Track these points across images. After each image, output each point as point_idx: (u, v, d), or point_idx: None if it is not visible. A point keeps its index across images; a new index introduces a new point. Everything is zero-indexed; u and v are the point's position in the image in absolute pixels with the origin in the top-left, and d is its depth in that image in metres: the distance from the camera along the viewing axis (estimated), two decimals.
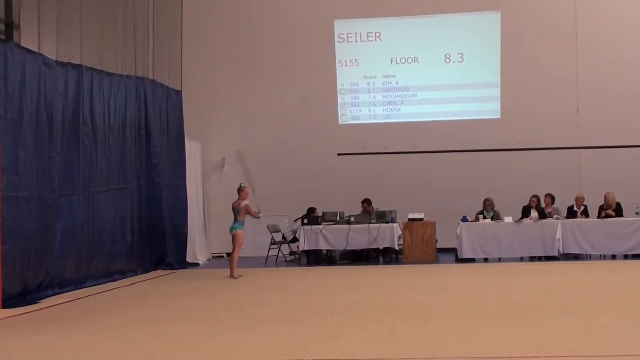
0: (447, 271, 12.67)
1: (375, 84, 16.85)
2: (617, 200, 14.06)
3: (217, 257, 16.38)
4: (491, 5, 16.49)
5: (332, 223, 14.43)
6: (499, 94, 16.42)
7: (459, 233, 13.98)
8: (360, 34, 16.86)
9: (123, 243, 12.35)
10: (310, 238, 14.19)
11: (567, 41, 16.14)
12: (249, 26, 16.97)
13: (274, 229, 14.94)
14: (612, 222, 13.80)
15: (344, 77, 16.88)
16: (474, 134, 16.38)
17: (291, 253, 15.32)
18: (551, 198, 14.43)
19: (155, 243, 13.51)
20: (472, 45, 16.57)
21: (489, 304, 8.58)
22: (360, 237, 14.12)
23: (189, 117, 15.12)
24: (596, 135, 16.10)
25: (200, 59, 16.65)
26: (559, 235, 13.67)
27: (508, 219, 14.03)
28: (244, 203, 12.03)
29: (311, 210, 15.01)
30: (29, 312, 8.75)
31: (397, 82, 16.77)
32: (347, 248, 14.35)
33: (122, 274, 12.22)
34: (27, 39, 10.35)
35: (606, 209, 14.03)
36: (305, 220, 14.48)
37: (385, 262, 14.39)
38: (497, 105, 16.46)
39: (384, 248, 14.32)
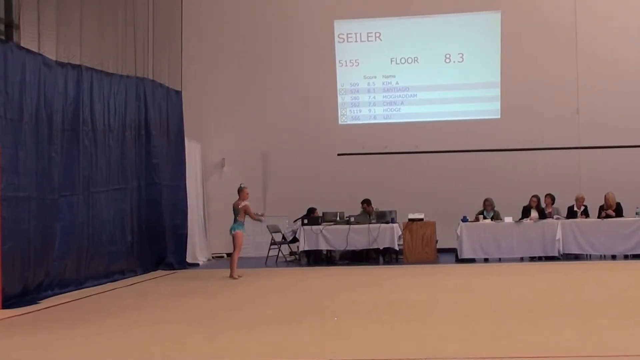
0: (447, 271, 12.67)
1: (375, 84, 16.85)
2: (617, 200, 14.06)
3: (217, 257, 16.38)
4: (491, 5, 16.50)
5: (332, 223, 14.43)
6: (499, 94, 16.42)
7: (459, 233, 13.97)
8: (360, 34, 16.86)
9: (123, 243, 12.35)
10: (310, 238, 14.19)
11: (567, 41, 16.15)
12: (249, 26, 16.98)
13: (274, 230, 14.94)
14: (612, 222, 13.80)
15: (344, 77, 16.88)
16: (474, 134, 16.38)
17: (291, 253, 15.32)
18: (551, 198, 14.43)
19: (155, 243, 13.51)
20: (472, 45, 16.57)
21: (489, 304, 8.58)
22: (360, 237, 14.12)
23: (189, 117, 15.12)
24: (596, 135, 16.10)
25: (200, 59, 16.65)
26: (559, 236, 13.67)
27: (508, 219, 14.03)
28: (243, 204, 12.02)
29: (311, 211, 15.01)
30: (29, 312, 8.74)
31: (397, 82, 16.77)
32: (347, 248, 14.35)
33: (122, 274, 12.22)
34: (27, 39, 10.34)
35: (606, 209, 14.03)
36: (305, 221, 14.48)
37: (386, 263, 14.39)
38: (497, 106, 16.46)
39: (384, 248, 14.31)
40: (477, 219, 14.26)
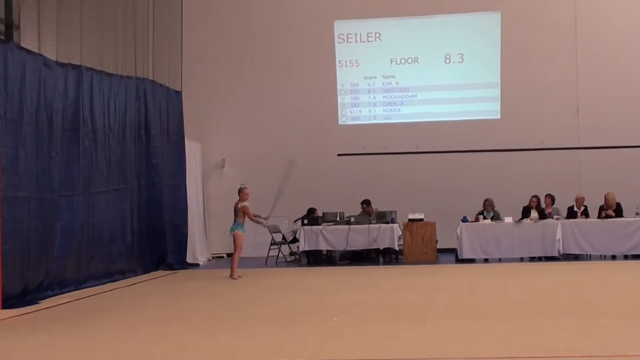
0: (447, 271, 12.67)
1: (375, 84, 16.85)
2: (617, 200, 14.06)
3: (217, 257, 16.38)
4: (491, 5, 16.50)
5: (332, 223, 14.43)
6: (499, 94, 16.42)
7: (459, 233, 13.97)
8: (360, 34, 16.86)
9: (123, 243, 12.35)
10: (311, 238, 14.19)
11: (567, 41, 16.15)
12: (249, 26, 16.99)
13: (274, 230, 14.94)
14: (612, 223, 13.80)
15: (344, 77, 16.89)
16: (474, 134, 16.39)
17: (291, 253, 15.32)
18: (551, 198, 14.43)
19: (155, 243, 13.51)
20: (472, 46, 16.57)
21: (489, 304, 8.58)
22: (360, 237, 14.12)
23: (189, 117, 15.12)
24: (596, 135, 16.10)
25: (200, 59, 16.66)
26: (559, 236, 13.67)
27: (508, 220, 14.03)
28: (241, 204, 12.02)
29: (311, 211, 15.01)
30: (29, 312, 8.74)
31: (397, 83, 16.77)
32: (347, 248, 14.35)
33: (122, 274, 12.22)
34: (27, 40, 10.36)
35: (606, 209, 14.03)
36: (306, 221, 14.48)
37: (386, 263, 14.39)
38: (497, 106, 16.46)
39: (384, 248, 14.32)
40: (477, 219, 14.26)
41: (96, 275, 11.39)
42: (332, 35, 16.83)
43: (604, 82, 16.01)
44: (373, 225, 14.13)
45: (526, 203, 14.30)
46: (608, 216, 13.92)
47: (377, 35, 16.82)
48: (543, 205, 14.31)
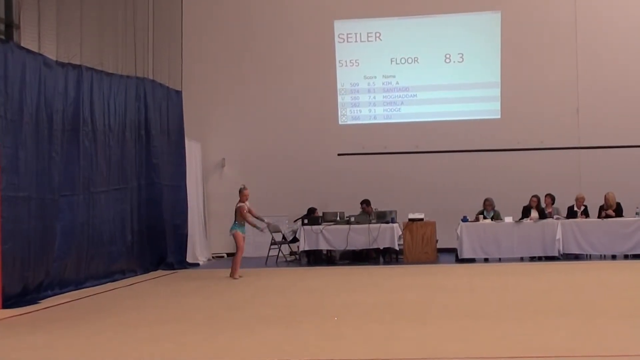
0: (448, 271, 12.67)
1: (375, 84, 16.84)
2: (617, 200, 14.06)
3: (217, 257, 16.38)
4: (491, 5, 16.49)
5: (332, 223, 14.43)
6: (499, 94, 16.41)
7: (459, 233, 13.97)
8: (360, 34, 16.85)
9: (123, 243, 12.35)
10: (311, 238, 14.19)
11: (567, 41, 16.14)
12: (249, 26, 16.98)
13: (274, 229, 14.93)
14: (612, 222, 13.80)
15: (344, 77, 16.88)
16: (474, 134, 16.38)
17: (291, 253, 15.32)
18: (551, 198, 14.43)
19: (156, 243, 13.51)
20: (472, 46, 16.56)
21: (489, 304, 8.58)
22: (360, 237, 14.12)
23: (189, 117, 15.12)
24: (596, 135, 16.09)
25: (200, 59, 16.65)
26: (559, 236, 13.67)
27: (508, 219, 14.03)
28: (238, 205, 12.04)
29: (311, 211, 15.02)
30: (29, 312, 8.75)
31: (397, 83, 16.76)
32: (347, 248, 14.35)
33: (122, 274, 12.22)
34: (27, 39, 10.35)
35: (606, 209, 14.03)
36: (306, 221, 14.48)
37: (386, 263, 14.40)
38: (497, 106, 16.46)
39: (384, 248, 14.32)
40: (477, 219, 14.26)
41: (96, 275, 11.39)
42: (332, 35, 16.83)
43: (604, 82, 16.00)
44: (373, 225, 14.13)
45: (526, 203, 14.30)
46: (608, 216, 13.92)
47: (377, 35, 16.82)
48: (543, 205, 14.31)
